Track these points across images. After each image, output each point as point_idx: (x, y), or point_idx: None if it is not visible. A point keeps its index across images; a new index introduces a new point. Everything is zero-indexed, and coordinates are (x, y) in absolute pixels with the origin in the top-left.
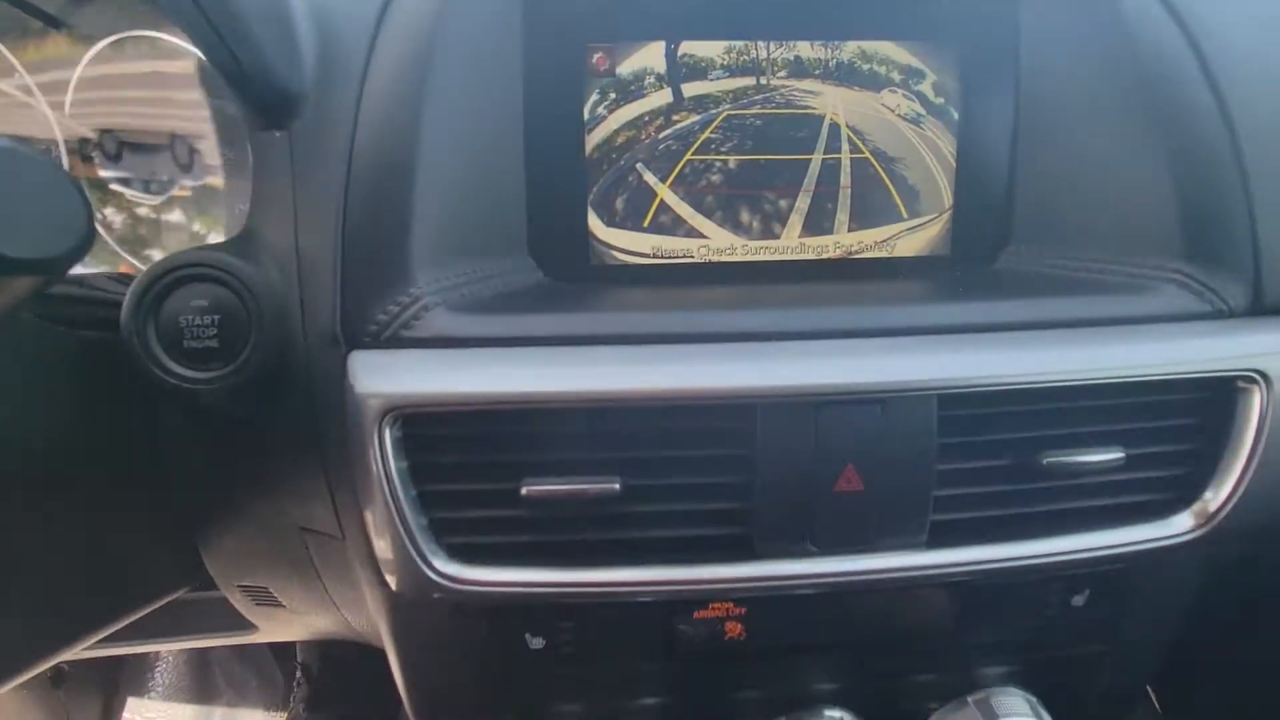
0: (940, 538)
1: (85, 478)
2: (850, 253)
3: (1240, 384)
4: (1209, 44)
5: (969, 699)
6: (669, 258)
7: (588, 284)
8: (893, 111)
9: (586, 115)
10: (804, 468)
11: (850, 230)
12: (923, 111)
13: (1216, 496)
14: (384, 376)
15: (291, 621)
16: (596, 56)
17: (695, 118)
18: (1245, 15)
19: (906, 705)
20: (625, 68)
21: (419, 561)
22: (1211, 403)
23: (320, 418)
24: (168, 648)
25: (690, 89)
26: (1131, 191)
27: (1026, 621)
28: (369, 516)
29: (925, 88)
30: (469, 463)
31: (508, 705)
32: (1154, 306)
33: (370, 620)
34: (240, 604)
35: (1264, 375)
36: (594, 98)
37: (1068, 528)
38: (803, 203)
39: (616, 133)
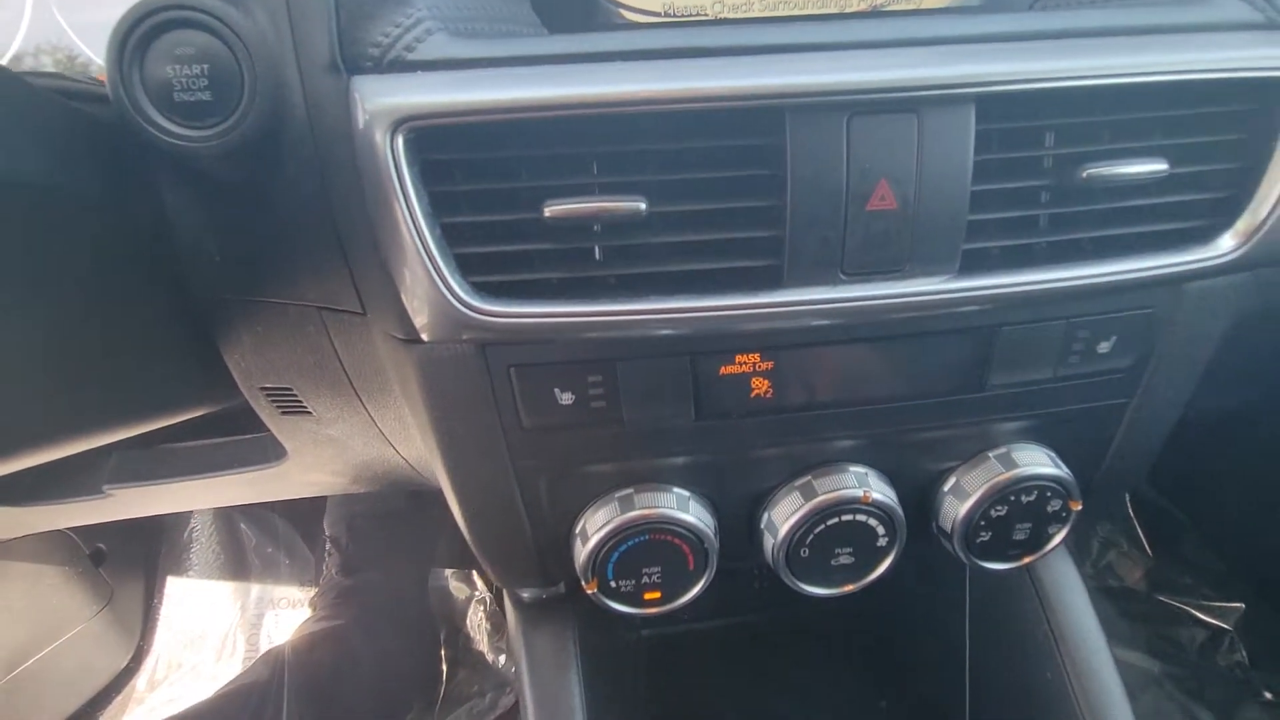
0: (974, 263)
1: (97, 274)
2: (876, 5)
3: None
4: None
5: (989, 453)
6: (683, 15)
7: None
8: None
9: None
10: (835, 183)
11: None
12: None
13: (1257, 214)
14: (392, 92)
15: (320, 445)
16: None
17: None
18: None
19: (929, 464)
20: None
21: (449, 297)
22: (1256, 115)
23: (330, 168)
24: (199, 501)
25: None
26: None
27: (1051, 370)
28: (394, 257)
29: None
30: (489, 190)
31: (537, 467)
32: (1207, 15)
33: (396, 415)
34: (267, 414)
35: None
36: None
37: (1108, 252)
38: None
39: None
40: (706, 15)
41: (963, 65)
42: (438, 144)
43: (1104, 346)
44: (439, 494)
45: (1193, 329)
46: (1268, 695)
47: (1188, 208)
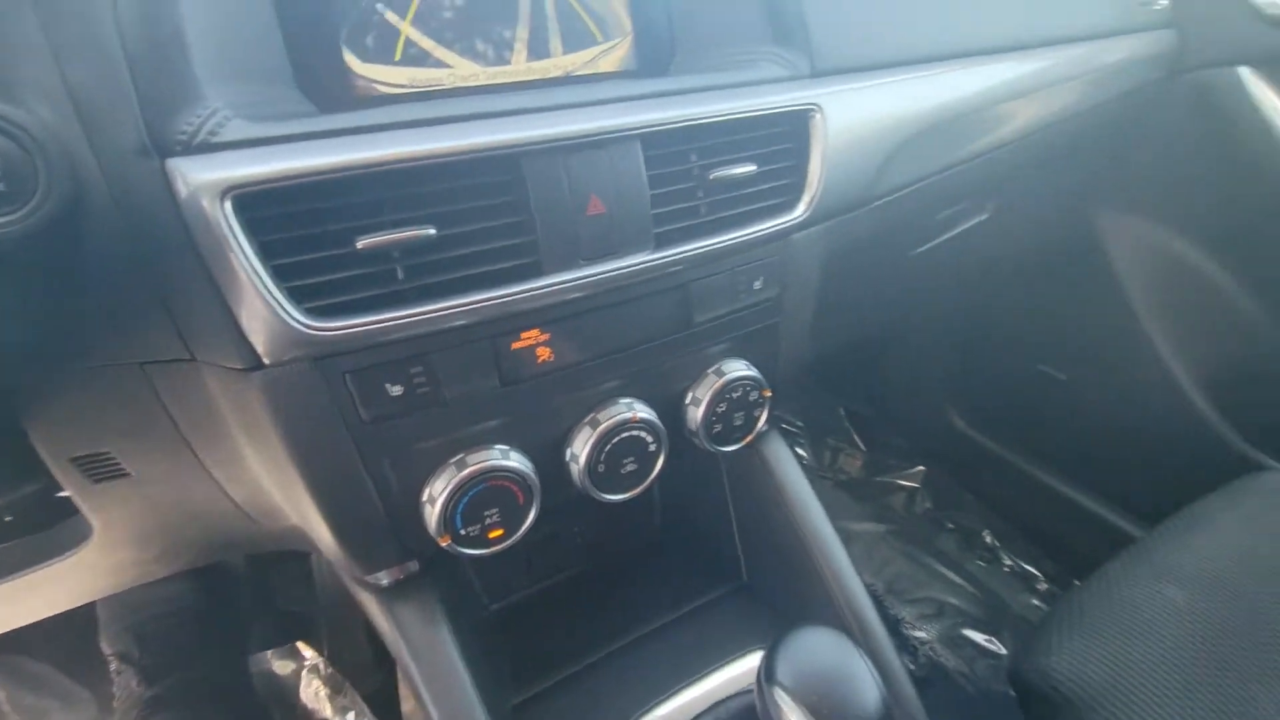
0: (664, 241)
1: None
2: (569, 72)
3: (811, 114)
4: None
5: (708, 370)
6: (425, 86)
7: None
8: None
9: None
10: (563, 200)
11: (564, 54)
12: None
13: (811, 191)
14: (213, 168)
15: (134, 513)
16: None
17: None
18: None
19: (673, 385)
20: None
21: (288, 322)
22: (797, 131)
23: (144, 235)
24: None
25: None
26: (745, 8)
27: (730, 305)
28: (234, 298)
29: None
30: (308, 235)
31: (381, 453)
32: (761, 74)
33: (230, 453)
34: (76, 487)
35: (819, 106)
36: None
37: (740, 222)
38: (523, 32)
39: None
40: (443, 85)
41: (631, 117)
42: (259, 204)
43: (758, 284)
44: (244, 569)
45: (802, 264)
46: (950, 525)
47: (776, 191)
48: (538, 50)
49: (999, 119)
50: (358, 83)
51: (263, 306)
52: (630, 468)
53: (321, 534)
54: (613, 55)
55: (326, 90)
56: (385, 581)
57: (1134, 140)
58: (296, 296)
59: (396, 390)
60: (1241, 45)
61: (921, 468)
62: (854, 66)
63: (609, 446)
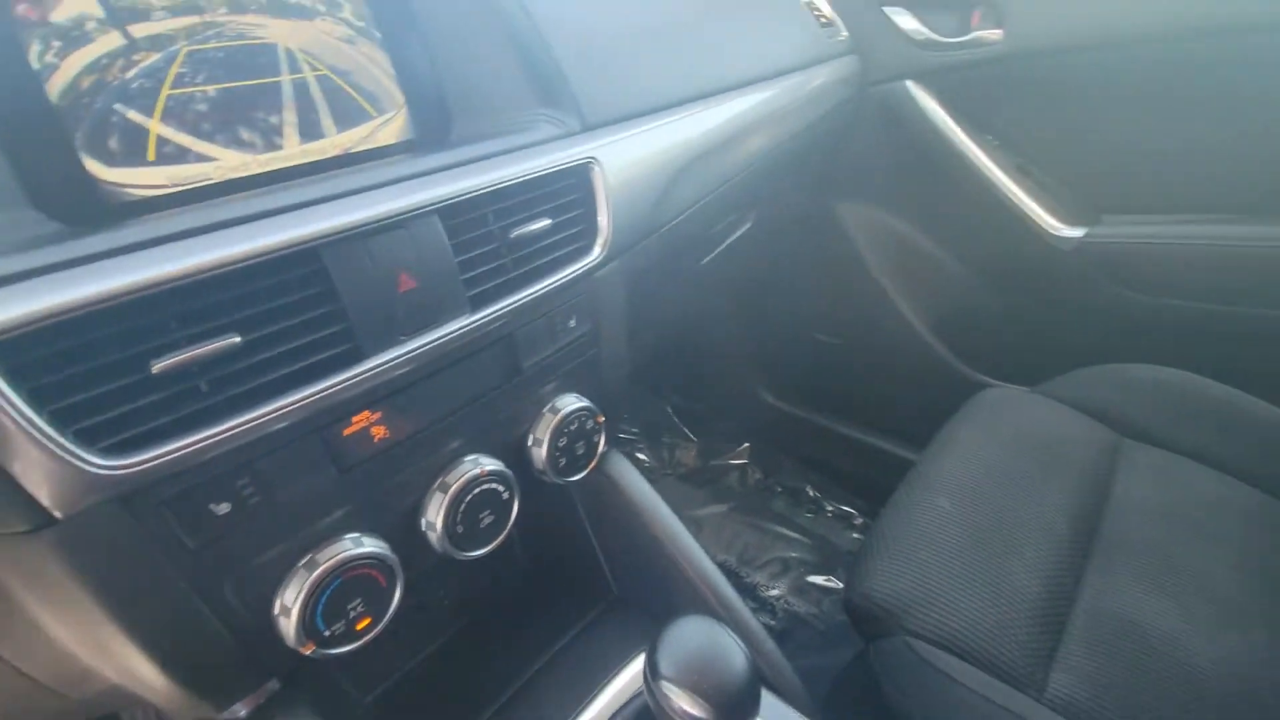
0: (479, 301)
1: None
2: (347, 149)
3: (590, 166)
4: None
5: (543, 409)
6: (188, 183)
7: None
8: (331, 36)
9: (36, 65)
10: (373, 282)
11: (339, 132)
12: (353, 34)
13: (603, 235)
14: None
15: None
16: (23, 6)
17: (157, 55)
18: None
19: (515, 430)
20: (58, 15)
21: (81, 466)
22: (581, 183)
23: None
24: None
25: (139, 30)
26: (511, 78)
27: (553, 345)
28: (7, 455)
29: (347, 15)
30: (86, 370)
31: (217, 578)
32: (540, 135)
33: (25, 628)
34: None
35: (596, 159)
36: (36, 47)
37: (546, 272)
38: (290, 116)
39: (78, 78)
40: (211, 179)
41: (427, 192)
42: (17, 350)
43: (573, 322)
44: None
45: (609, 295)
46: (779, 489)
47: (573, 238)
48: (309, 132)
49: (745, 142)
50: (107, 189)
51: (45, 457)
52: (488, 521)
53: (154, 685)
54: (390, 127)
55: (71, 205)
56: (244, 713)
57: (848, 144)
58: (85, 438)
59: (223, 508)
60: (903, 63)
61: (746, 445)
62: (619, 117)
63: (463, 506)
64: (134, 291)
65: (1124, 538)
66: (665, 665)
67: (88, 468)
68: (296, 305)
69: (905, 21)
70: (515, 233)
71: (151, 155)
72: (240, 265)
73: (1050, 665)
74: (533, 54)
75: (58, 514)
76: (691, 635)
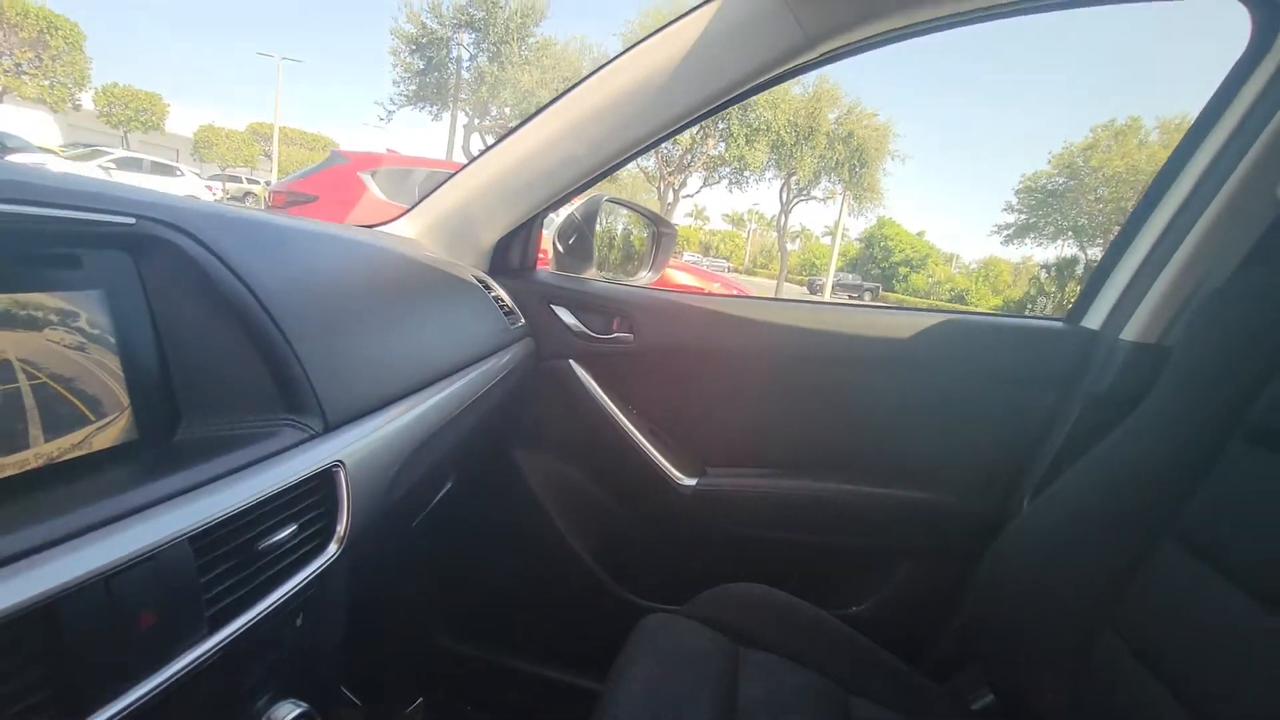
0: (216, 623)
1: None
2: (52, 459)
3: (334, 470)
4: (253, 281)
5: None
6: None
7: None
8: (59, 343)
9: None
10: (108, 627)
11: (46, 441)
12: (85, 341)
13: (339, 530)
14: None
15: None
16: None
17: None
18: (274, 264)
19: None
20: None
21: None
22: (324, 485)
23: None
24: None
25: None
26: (251, 379)
27: (284, 649)
28: None
29: (82, 324)
30: None
31: None
32: (281, 443)
33: None
34: None
35: (341, 461)
36: None
37: (286, 575)
38: None
39: None
40: None
41: (171, 522)
42: None
43: (300, 620)
44: None
45: (334, 588)
46: None
47: (313, 536)
48: (10, 443)
49: (457, 420)
50: None
51: None
52: None
53: None
54: (108, 432)
55: None
56: None
57: (527, 406)
58: None
59: None
60: (566, 347)
61: (420, 700)
62: (358, 413)
63: None
64: None
65: None
66: None
67: None
68: (12, 670)
69: (567, 317)
70: (262, 544)
71: None
72: None
73: None
74: (279, 360)
75: None
76: None
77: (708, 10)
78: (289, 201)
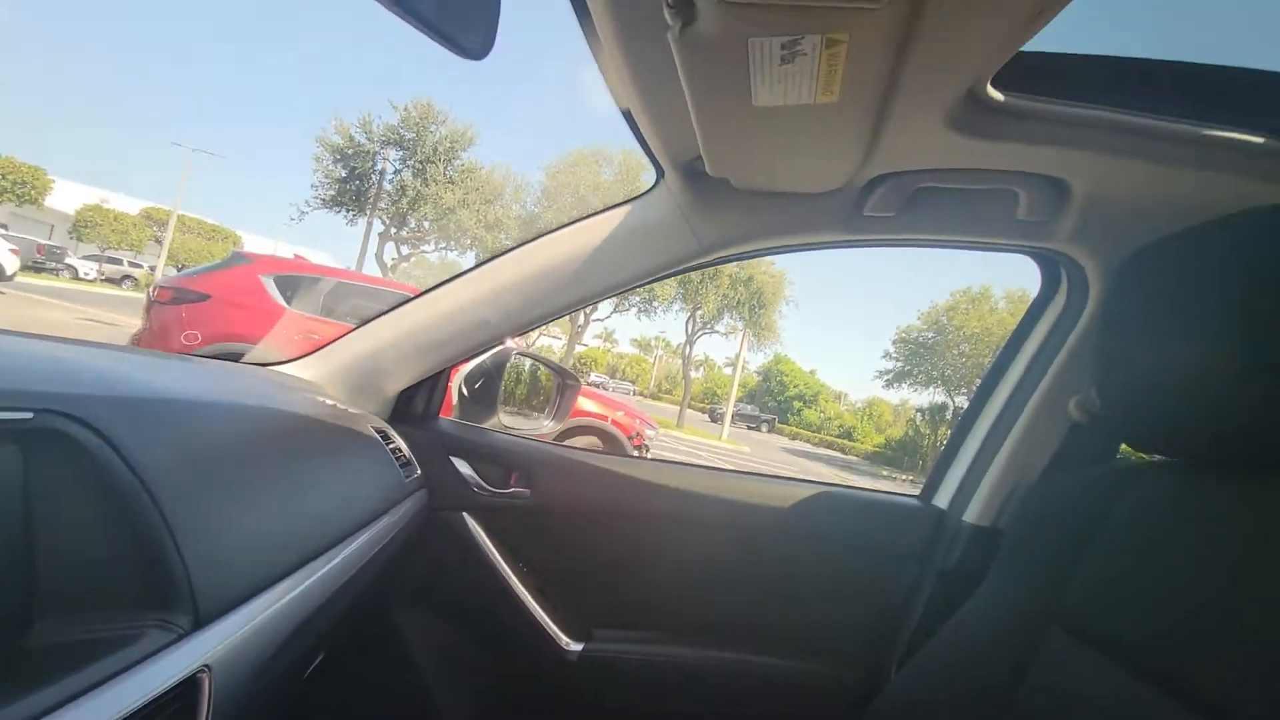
0: None
1: None
2: None
3: (199, 676)
4: (145, 472)
5: None
6: None
7: None
8: None
9: None
10: None
11: None
12: None
13: None
14: None
15: None
16: None
17: None
18: (170, 448)
19: None
20: None
21: None
22: (190, 694)
23: None
24: None
25: None
26: (124, 574)
27: None
28: None
29: None
30: None
31: None
32: (144, 649)
33: None
34: None
35: (209, 666)
36: None
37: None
38: None
39: None
40: None
41: None
42: None
43: None
44: None
45: None
46: None
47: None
48: None
49: (351, 585)
50: None
51: None
52: None
53: None
54: None
55: None
56: None
57: (418, 555)
58: None
59: None
60: (461, 499)
61: None
62: (237, 602)
63: None
64: None
65: None
66: None
67: None
68: None
69: (464, 468)
70: None
71: None
72: None
73: None
74: (156, 553)
75: None
76: None
77: (618, 212)
78: (174, 298)
